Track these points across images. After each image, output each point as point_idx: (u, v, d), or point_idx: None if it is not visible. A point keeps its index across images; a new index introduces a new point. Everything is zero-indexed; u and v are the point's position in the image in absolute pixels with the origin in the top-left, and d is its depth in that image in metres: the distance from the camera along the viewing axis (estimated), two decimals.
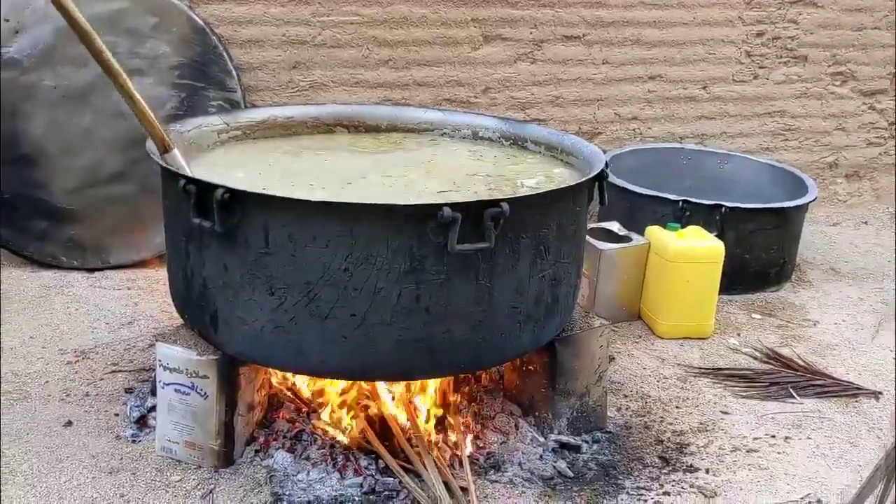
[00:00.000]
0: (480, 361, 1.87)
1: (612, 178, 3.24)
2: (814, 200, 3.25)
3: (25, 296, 2.80)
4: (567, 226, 1.89)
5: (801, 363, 2.59)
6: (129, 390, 2.25)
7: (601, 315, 2.56)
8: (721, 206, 3.04)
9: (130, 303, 2.80)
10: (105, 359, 2.43)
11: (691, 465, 2.06)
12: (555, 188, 1.84)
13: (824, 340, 2.81)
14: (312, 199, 1.60)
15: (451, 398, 2.10)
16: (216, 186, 1.65)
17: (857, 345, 2.78)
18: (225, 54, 3.09)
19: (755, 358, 2.65)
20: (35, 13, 2.89)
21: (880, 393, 2.44)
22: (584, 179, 1.86)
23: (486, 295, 1.74)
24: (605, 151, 3.60)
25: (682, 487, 1.97)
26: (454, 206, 1.62)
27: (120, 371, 2.36)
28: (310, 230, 1.62)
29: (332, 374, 1.82)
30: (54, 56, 2.90)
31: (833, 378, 2.50)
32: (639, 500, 1.93)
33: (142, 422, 2.09)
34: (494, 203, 1.65)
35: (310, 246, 1.64)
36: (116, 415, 2.14)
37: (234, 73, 3.10)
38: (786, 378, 2.51)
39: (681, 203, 3.06)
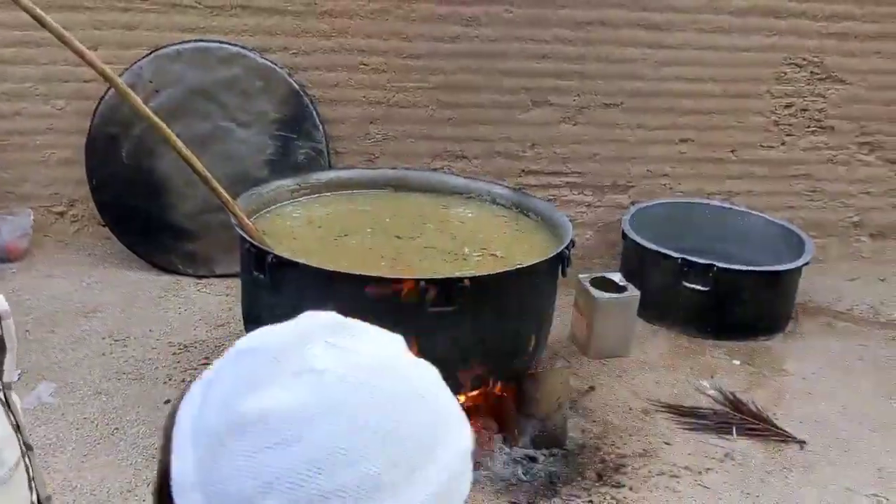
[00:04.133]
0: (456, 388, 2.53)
1: (627, 232, 3.81)
2: (806, 264, 3.70)
3: (149, 295, 3.64)
4: (526, 293, 2.51)
5: (751, 408, 3.09)
6: None
7: (597, 351, 3.24)
8: (713, 265, 3.55)
9: (227, 307, 3.59)
10: (200, 353, 3.23)
11: (619, 482, 2.65)
12: (508, 269, 2.47)
13: (785, 389, 3.29)
14: (326, 269, 2.30)
15: None
16: (268, 253, 2.38)
17: (811, 396, 3.25)
18: (314, 112, 3.83)
19: (716, 399, 3.17)
20: (170, 76, 3.71)
21: (804, 442, 2.93)
22: (536, 262, 2.48)
23: (456, 342, 2.40)
24: (634, 203, 4.18)
25: (604, 498, 2.57)
26: (428, 281, 2.28)
27: (210, 364, 3.14)
28: (325, 289, 2.32)
29: None
30: (183, 110, 3.71)
31: (771, 424, 3.01)
32: (568, 503, 2.54)
33: None
34: (459, 280, 2.31)
35: (326, 299, 2.33)
36: None
37: (320, 127, 3.84)
38: (732, 419, 3.03)
39: (679, 260, 3.59)
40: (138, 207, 3.79)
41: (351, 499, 0.62)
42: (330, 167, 3.81)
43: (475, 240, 2.83)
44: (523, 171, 4.12)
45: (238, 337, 2.50)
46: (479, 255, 2.69)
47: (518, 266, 2.49)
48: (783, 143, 4.29)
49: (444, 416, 0.69)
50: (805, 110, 4.24)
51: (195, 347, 3.25)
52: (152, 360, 3.14)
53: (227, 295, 3.69)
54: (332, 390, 0.64)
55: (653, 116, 4.14)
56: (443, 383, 0.69)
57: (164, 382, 3.00)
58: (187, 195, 3.77)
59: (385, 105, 3.95)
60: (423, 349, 2.30)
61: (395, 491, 0.63)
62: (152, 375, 3.04)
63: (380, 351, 0.69)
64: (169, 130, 2.43)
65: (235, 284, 3.71)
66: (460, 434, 0.69)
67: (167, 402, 2.89)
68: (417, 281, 2.27)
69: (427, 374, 0.70)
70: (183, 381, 3.02)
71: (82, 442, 2.64)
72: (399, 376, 0.68)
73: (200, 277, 3.82)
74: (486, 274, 2.44)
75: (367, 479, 0.63)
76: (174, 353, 3.20)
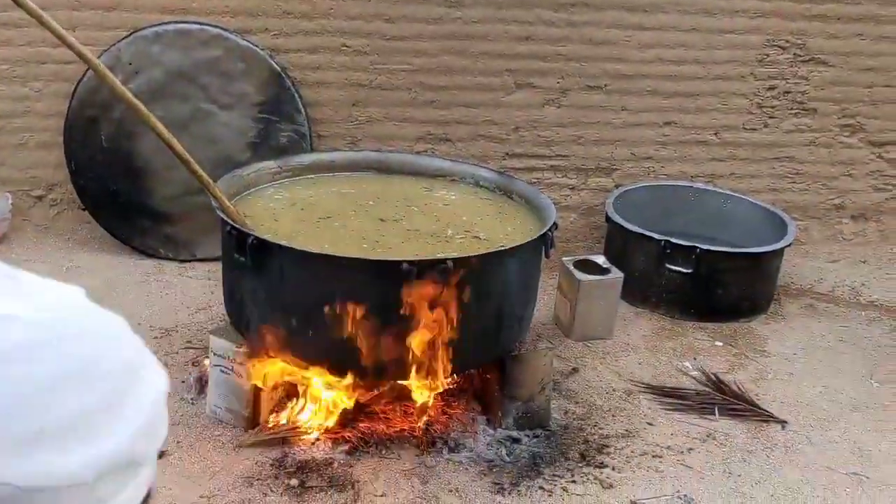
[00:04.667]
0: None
1: (611, 215, 3.81)
2: (788, 246, 3.72)
3: (130, 280, 3.62)
4: (510, 274, 2.51)
5: (734, 389, 3.12)
6: (195, 363, 3.01)
7: (580, 333, 3.32)
8: (696, 247, 3.56)
9: (208, 291, 3.57)
10: (182, 337, 3.21)
11: (602, 462, 2.66)
12: (492, 251, 2.47)
13: (766, 370, 3.31)
14: (306, 250, 2.29)
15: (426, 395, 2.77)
16: (248, 235, 2.36)
17: (792, 377, 3.27)
18: (296, 94, 3.81)
19: (698, 380, 3.19)
20: (149, 59, 3.67)
21: (786, 422, 2.95)
22: (519, 243, 2.48)
23: (437, 324, 2.39)
24: (618, 186, 4.18)
25: (587, 478, 2.58)
26: (411, 262, 2.27)
27: (192, 348, 3.13)
28: (306, 271, 2.31)
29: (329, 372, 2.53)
30: (163, 92, 3.68)
31: (752, 404, 3.03)
32: (551, 483, 2.55)
33: (200, 389, 2.85)
34: (442, 261, 2.30)
35: (307, 280, 2.33)
36: (183, 381, 2.90)
37: (302, 110, 3.82)
38: (714, 400, 3.05)
39: (662, 242, 3.60)
40: (118, 191, 3.75)
41: (63, 433, 0.62)
42: (312, 150, 3.79)
43: (459, 222, 2.83)
44: (507, 154, 4.11)
45: (220, 320, 2.48)
46: (462, 238, 2.68)
47: (501, 247, 2.49)
48: (766, 126, 4.30)
49: (142, 353, 0.71)
50: (788, 92, 4.26)
51: (176, 331, 3.23)
52: None
53: (209, 279, 3.67)
54: (29, 329, 0.63)
55: (636, 99, 4.14)
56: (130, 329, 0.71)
57: None
58: (168, 178, 3.74)
59: (368, 87, 3.93)
60: (404, 330, 2.30)
61: (107, 422, 0.64)
62: None
63: (66, 294, 0.69)
64: (148, 112, 2.40)
65: (217, 268, 3.67)
66: (158, 372, 0.72)
67: None
68: (400, 262, 2.27)
69: (118, 318, 0.71)
70: (165, 364, 2.98)
71: None
72: (94, 315, 0.69)
73: (182, 261, 3.80)
74: (469, 255, 2.43)
75: (79, 412, 0.63)
76: (155, 338, 3.18)
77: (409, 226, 2.74)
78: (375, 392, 2.69)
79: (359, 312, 2.32)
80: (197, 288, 3.60)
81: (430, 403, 2.68)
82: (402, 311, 2.33)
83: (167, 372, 0.74)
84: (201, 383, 2.84)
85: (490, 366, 2.73)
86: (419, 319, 2.35)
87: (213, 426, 2.68)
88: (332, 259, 2.30)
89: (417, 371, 2.44)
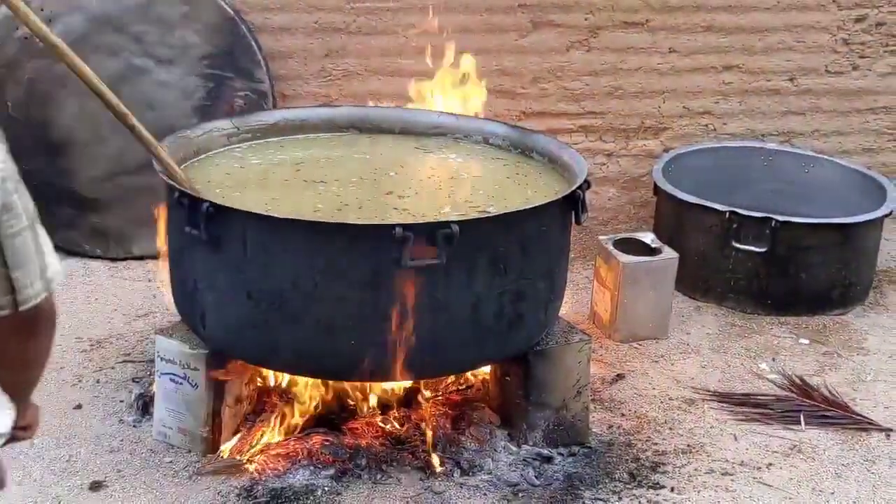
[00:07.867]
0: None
1: (661, 184, 3.91)
2: (888, 216, 3.81)
3: None
4: (530, 245, 2.60)
5: (823, 393, 3.20)
6: (136, 380, 3.11)
7: (625, 333, 3.46)
8: (771, 219, 3.65)
9: (149, 294, 3.68)
10: (118, 349, 3.31)
11: (657, 483, 2.75)
12: (507, 212, 2.57)
13: (865, 370, 3.40)
14: (279, 217, 2.39)
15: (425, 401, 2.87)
16: (203, 201, 2.46)
17: None
18: (254, 43, 3.92)
19: (778, 385, 3.28)
20: (68, 2, 3.79)
21: (892, 430, 3.04)
22: (543, 203, 2.58)
23: (441, 307, 2.49)
24: (668, 150, 4.29)
25: (640, 502, 2.67)
26: (406, 227, 2.37)
27: (130, 361, 3.23)
28: (278, 242, 2.42)
29: (302, 372, 2.62)
30: (86, 45, 3.79)
31: (849, 411, 3.12)
32: None
33: (144, 409, 2.94)
34: (445, 224, 2.40)
35: (279, 254, 2.43)
36: (121, 401, 3.00)
37: (262, 63, 3.94)
38: (799, 407, 3.14)
39: (728, 214, 3.69)
40: (31, 172, 3.79)
41: None
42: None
43: (463, 188, 2.93)
44: (523, 112, 4.22)
45: (165, 328, 2.54)
46: (470, 205, 2.77)
47: (518, 208, 2.59)
48: (855, 68, 4.41)
49: None
50: (881, 24, 4.36)
51: (110, 343, 3.34)
52: (55, 359, 3.22)
53: (150, 280, 3.77)
54: None
55: (688, 37, 4.25)
56: None
57: (73, 385, 3.08)
58: (94, 154, 3.86)
59: (344, 32, 4.05)
60: (403, 313, 2.40)
61: None
62: (56, 377, 3.12)
63: None
64: (70, 52, 2.51)
65: (159, 267, 3.80)
66: None
67: (78, 406, 2.97)
68: (393, 227, 2.36)
69: None
70: (97, 381, 3.11)
71: None
72: None
73: (113, 260, 3.92)
74: (480, 217, 2.53)
75: None
76: (83, 351, 3.29)
77: (401, 193, 2.84)
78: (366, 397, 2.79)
79: (345, 293, 2.41)
80: (134, 291, 3.71)
81: (433, 411, 2.78)
82: (394, 290, 2.42)
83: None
84: (145, 402, 2.94)
85: (510, 364, 2.82)
86: (416, 300, 2.43)
87: (163, 451, 2.77)
88: (308, 226, 2.40)
89: (414, 368, 2.53)
